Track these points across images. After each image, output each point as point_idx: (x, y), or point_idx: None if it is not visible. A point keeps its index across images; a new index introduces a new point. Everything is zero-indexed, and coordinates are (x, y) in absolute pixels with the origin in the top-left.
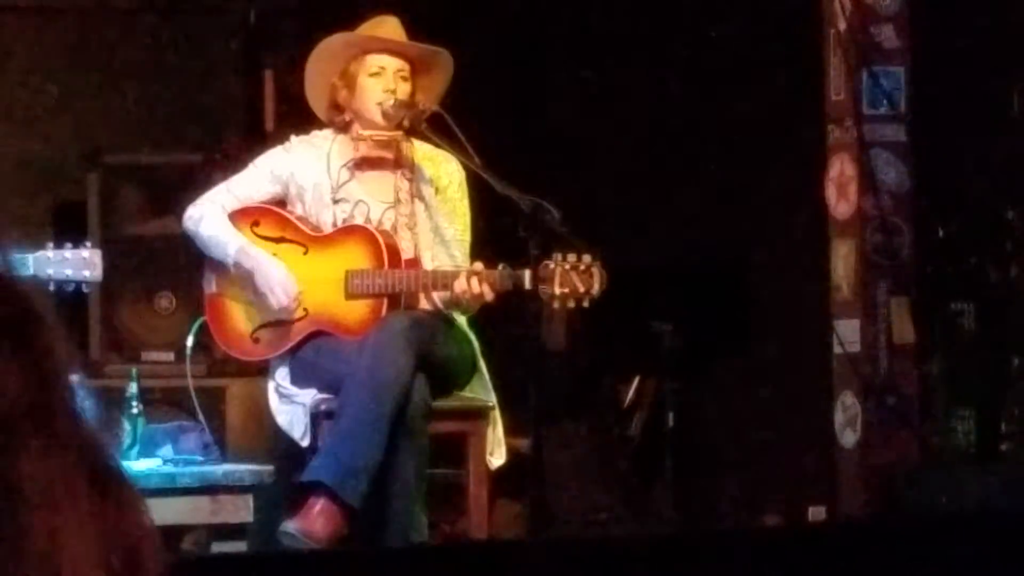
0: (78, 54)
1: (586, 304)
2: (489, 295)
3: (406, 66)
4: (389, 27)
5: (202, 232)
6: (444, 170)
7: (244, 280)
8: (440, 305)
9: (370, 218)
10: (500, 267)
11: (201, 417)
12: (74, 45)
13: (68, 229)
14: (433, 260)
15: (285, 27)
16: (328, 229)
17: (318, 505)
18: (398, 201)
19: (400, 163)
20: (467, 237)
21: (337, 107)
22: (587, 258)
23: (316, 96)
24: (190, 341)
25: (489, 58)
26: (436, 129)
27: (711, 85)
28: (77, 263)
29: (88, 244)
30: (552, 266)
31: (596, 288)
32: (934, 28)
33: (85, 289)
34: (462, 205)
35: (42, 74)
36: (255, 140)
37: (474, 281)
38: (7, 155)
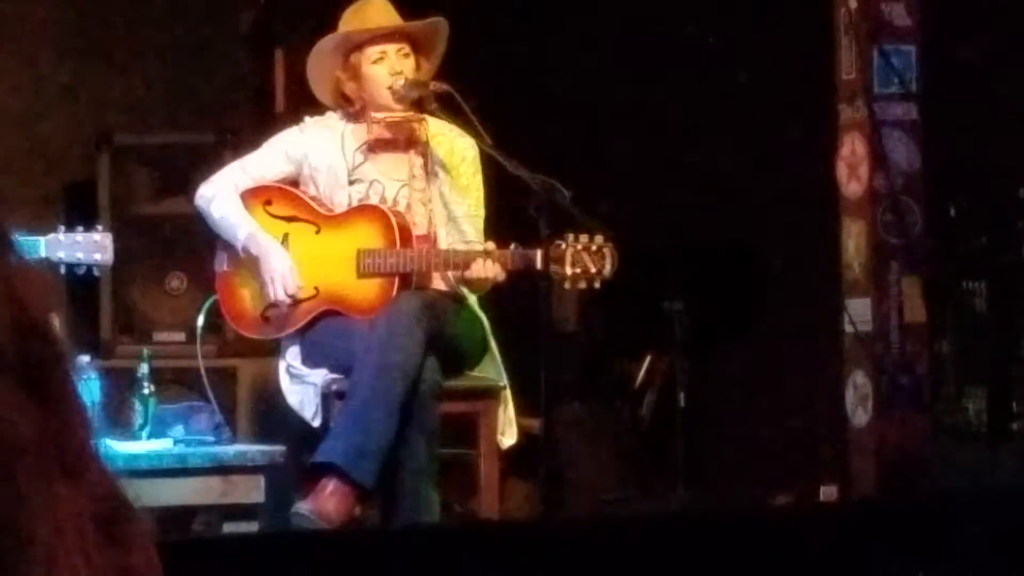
0: (88, 35)
1: (597, 284)
2: (501, 275)
3: (405, 44)
4: (378, 8)
5: (213, 212)
6: (457, 146)
7: (255, 260)
8: (452, 281)
9: (385, 197)
10: (512, 247)
11: (211, 395)
12: (84, 25)
13: (79, 210)
14: (447, 236)
15: (296, 7)
16: (343, 209)
17: (330, 486)
18: (412, 177)
19: (413, 142)
20: (480, 213)
21: (345, 97)
22: (599, 238)
23: (322, 91)
24: (201, 320)
25: (498, 36)
26: (446, 108)
27: (722, 64)
28: (88, 246)
29: (99, 227)
30: (564, 246)
31: (608, 268)
32: (945, 6)
33: (96, 272)
34: (475, 181)
35: (52, 55)
36: (266, 120)
37: (487, 262)
38: (17, 136)
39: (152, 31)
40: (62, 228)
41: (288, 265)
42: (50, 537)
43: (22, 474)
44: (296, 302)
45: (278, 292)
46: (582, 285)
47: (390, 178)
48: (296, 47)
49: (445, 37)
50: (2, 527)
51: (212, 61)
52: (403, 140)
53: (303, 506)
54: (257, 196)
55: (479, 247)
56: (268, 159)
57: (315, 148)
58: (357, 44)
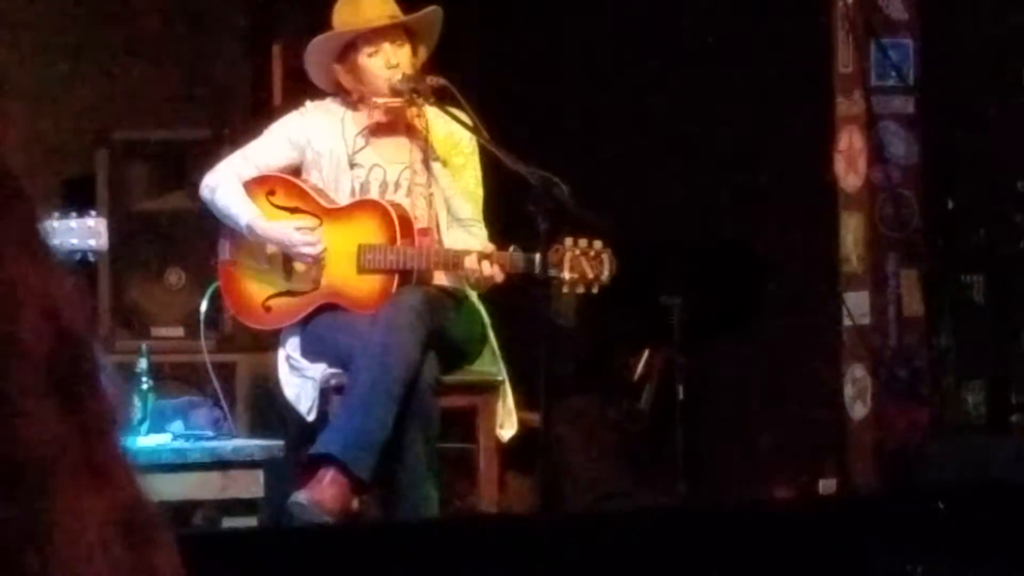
0: (87, 30)
1: (595, 290)
2: (499, 276)
3: (401, 35)
4: (370, 1)
5: (217, 201)
6: (453, 128)
7: (258, 249)
8: (454, 276)
9: (386, 181)
10: (511, 249)
11: (217, 388)
12: (83, 21)
13: (77, 206)
14: (447, 219)
15: (293, 1)
16: (345, 195)
17: (328, 476)
18: (413, 171)
19: (413, 130)
20: (479, 191)
21: (343, 88)
22: (598, 244)
23: (320, 82)
24: (204, 306)
25: (495, 30)
26: (444, 102)
27: (720, 57)
28: (82, 232)
29: (93, 213)
30: (562, 251)
31: (606, 274)
32: None
33: (91, 258)
34: (472, 160)
35: (51, 51)
36: (263, 115)
37: (485, 263)
38: (16, 133)
39: (150, 27)
40: (55, 215)
41: (294, 226)
42: (76, 547)
43: (51, 485)
44: (297, 293)
45: (308, 253)
46: (580, 290)
47: (390, 162)
48: (293, 42)
49: (439, 23)
50: (30, 537)
51: (210, 56)
52: (403, 125)
53: (301, 495)
54: (260, 186)
55: (477, 226)
56: (271, 146)
57: (317, 132)
58: (353, 40)
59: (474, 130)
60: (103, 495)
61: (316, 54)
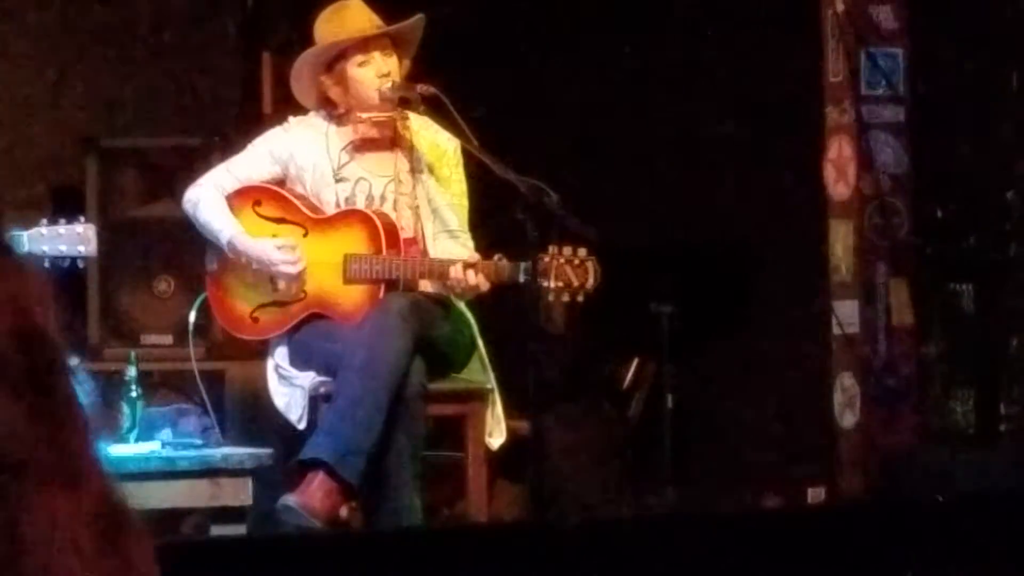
0: (76, 37)
1: (580, 299)
2: (485, 285)
3: (388, 44)
4: (357, 12)
5: (199, 216)
6: (439, 140)
7: (245, 260)
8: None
9: (372, 194)
10: (496, 258)
11: (205, 396)
12: (72, 28)
13: (66, 213)
14: (432, 228)
15: (283, 10)
16: (330, 208)
17: (317, 480)
18: (399, 181)
19: (398, 141)
20: (464, 203)
21: (330, 101)
22: (582, 252)
23: (306, 97)
24: (192, 316)
25: (486, 37)
26: (433, 110)
27: (710, 66)
28: (71, 238)
29: (82, 219)
30: (547, 259)
31: (591, 282)
32: (932, 9)
33: (80, 265)
34: (457, 172)
35: (41, 58)
36: (253, 123)
37: (470, 272)
38: (5, 140)
39: (140, 35)
40: (44, 221)
41: (275, 245)
42: (47, 546)
43: (21, 485)
44: (285, 304)
45: (287, 272)
46: (565, 298)
47: (376, 175)
48: (283, 50)
49: (422, 29)
50: (1, 532)
51: (199, 64)
52: (388, 139)
53: (290, 498)
54: (245, 197)
55: (464, 236)
56: (253, 160)
57: (300, 148)
58: (342, 51)
59: (464, 137)
60: (76, 496)
61: (304, 69)
